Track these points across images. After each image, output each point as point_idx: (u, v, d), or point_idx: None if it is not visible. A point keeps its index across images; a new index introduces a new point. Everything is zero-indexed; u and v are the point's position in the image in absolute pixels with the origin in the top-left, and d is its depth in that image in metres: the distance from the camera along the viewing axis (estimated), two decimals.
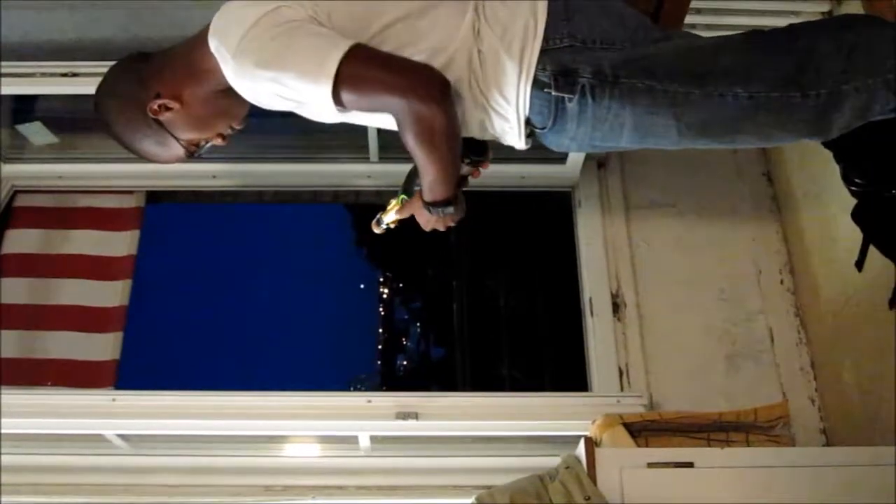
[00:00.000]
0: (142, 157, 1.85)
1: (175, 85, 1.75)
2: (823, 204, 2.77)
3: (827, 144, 2.47)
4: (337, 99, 1.57)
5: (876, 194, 2.41)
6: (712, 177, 3.16)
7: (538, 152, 3.07)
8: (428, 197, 1.75)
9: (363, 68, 1.57)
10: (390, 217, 1.94)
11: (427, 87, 1.57)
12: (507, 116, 1.70)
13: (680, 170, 3.16)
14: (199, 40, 1.74)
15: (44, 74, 2.86)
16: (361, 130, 3.15)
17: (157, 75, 1.76)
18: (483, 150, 1.85)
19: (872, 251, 2.36)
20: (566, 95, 1.63)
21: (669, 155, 2.84)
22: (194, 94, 1.75)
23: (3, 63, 2.82)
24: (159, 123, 1.75)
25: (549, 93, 1.64)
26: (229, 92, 1.74)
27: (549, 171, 3.23)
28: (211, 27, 1.71)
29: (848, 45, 1.68)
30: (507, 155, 1.87)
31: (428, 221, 1.84)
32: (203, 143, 1.83)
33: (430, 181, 1.70)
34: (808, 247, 2.89)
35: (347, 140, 3.30)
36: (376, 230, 1.99)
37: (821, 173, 2.76)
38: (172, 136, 1.77)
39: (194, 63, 1.75)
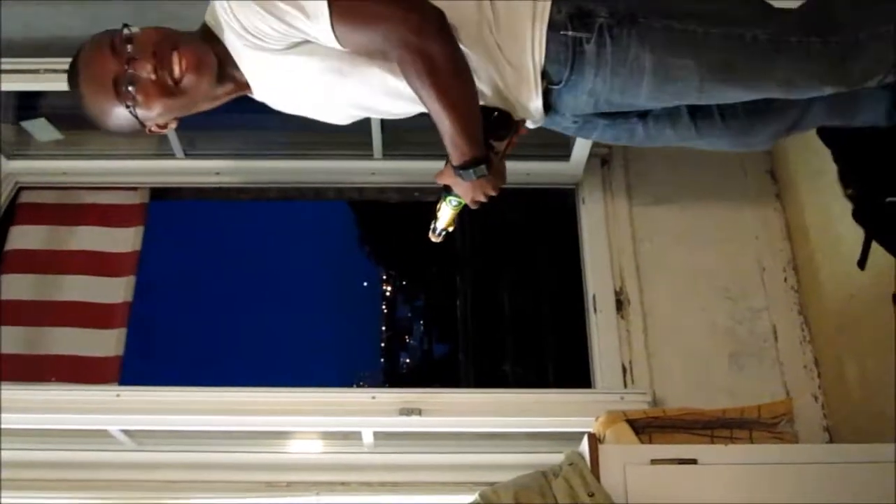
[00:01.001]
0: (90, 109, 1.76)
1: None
2: (827, 202, 2.76)
3: (827, 143, 2.50)
4: (333, 27, 1.49)
5: (870, 200, 2.44)
6: (716, 174, 3.16)
7: (543, 149, 3.09)
8: (454, 159, 1.63)
9: None
10: (444, 220, 1.89)
11: (420, 17, 1.49)
12: (521, 66, 1.63)
13: (683, 167, 3.16)
14: (199, 34, 1.73)
15: (48, 71, 2.85)
16: (365, 127, 3.15)
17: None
18: (506, 121, 1.73)
19: (875, 248, 2.37)
20: (583, 35, 1.58)
21: (673, 151, 2.85)
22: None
23: (8, 59, 2.82)
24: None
25: (566, 34, 1.58)
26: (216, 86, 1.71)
27: (553, 168, 3.23)
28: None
29: None
30: (512, 151, 1.84)
31: (466, 191, 1.73)
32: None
33: (449, 131, 1.57)
34: (812, 244, 2.89)
35: (351, 137, 3.29)
36: (435, 239, 1.94)
37: (825, 171, 2.75)
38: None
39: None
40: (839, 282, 2.65)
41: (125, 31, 1.68)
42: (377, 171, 3.37)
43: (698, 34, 1.58)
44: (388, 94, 1.69)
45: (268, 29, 1.54)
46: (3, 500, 2.79)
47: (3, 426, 2.70)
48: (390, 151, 3.30)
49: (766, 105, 1.82)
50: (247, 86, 1.75)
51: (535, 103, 1.68)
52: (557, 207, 3.61)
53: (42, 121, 3.28)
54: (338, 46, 1.54)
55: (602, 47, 1.57)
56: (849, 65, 1.63)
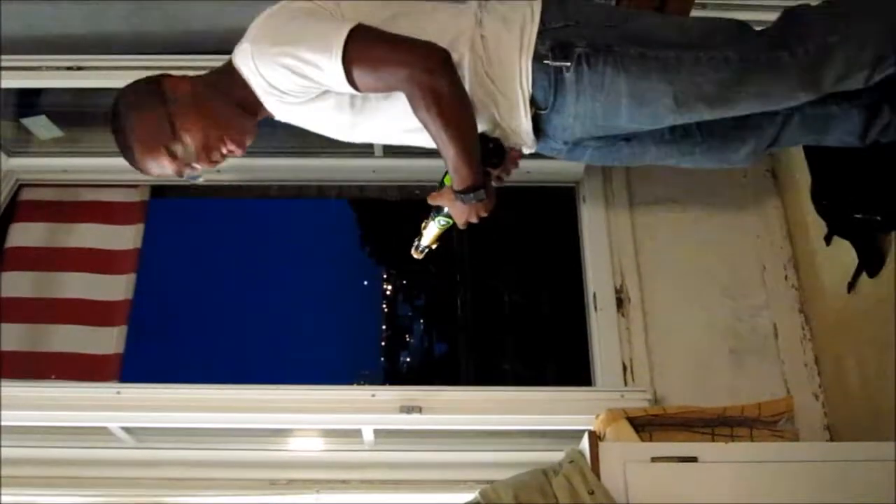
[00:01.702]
0: (129, 153, 1.85)
1: (197, 81, 1.83)
2: None
3: (807, 152, 2.57)
4: (349, 76, 1.66)
5: (840, 215, 2.49)
6: (716, 173, 3.15)
7: None
8: (457, 184, 1.79)
9: (369, 43, 1.67)
10: (428, 238, 2.02)
11: (427, 57, 1.67)
12: (512, 95, 1.79)
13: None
14: (227, 63, 1.84)
15: (49, 68, 2.86)
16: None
17: (183, 77, 1.84)
18: (499, 150, 1.91)
19: None
20: (563, 64, 1.73)
21: None
22: (210, 91, 1.82)
23: (10, 56, 2.82)
24: (165, 102, 1.78)
25: (548, 64, 1.74)
26: (241, 109, 1.84)
27: (554, 167, 3.22)
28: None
29: (829, 4, 1.84)
30: (507, 154, 1.91)
31: (461, 213, 1.89)
32: (191, 154, 1.82)
33: (453, 158, 1.73)
34: (812, 243, 2.88)
35: None
36: (416, 256, 2.07)
37: None
38: (171, 123, 1.77)
39: (219, 75, 1.84)
40: (840, 280, 2.65)
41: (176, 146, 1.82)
42: (378, 169, 3.38)
43: (670, 60, 1.73)
44: (397, 128, 1.89)
45: (291, 86, 1.73)
46: (5, 498, 2.80)
47: (3, 423, 2.70)
48: (391, 150, 3.30)
49: (743, 124, 1.93)
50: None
51: (526, 128, 1.84)
52: (558, 206, 3.60)
53: (43, 118, 3.27)
54: (353, 91, 1.71)
55: (580, 75, 1.74)
56: (820, 71, 1.74)
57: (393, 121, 1.85)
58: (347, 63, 1.64)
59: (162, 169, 1.84)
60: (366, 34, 1.67)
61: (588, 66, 1.72)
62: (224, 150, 1.85)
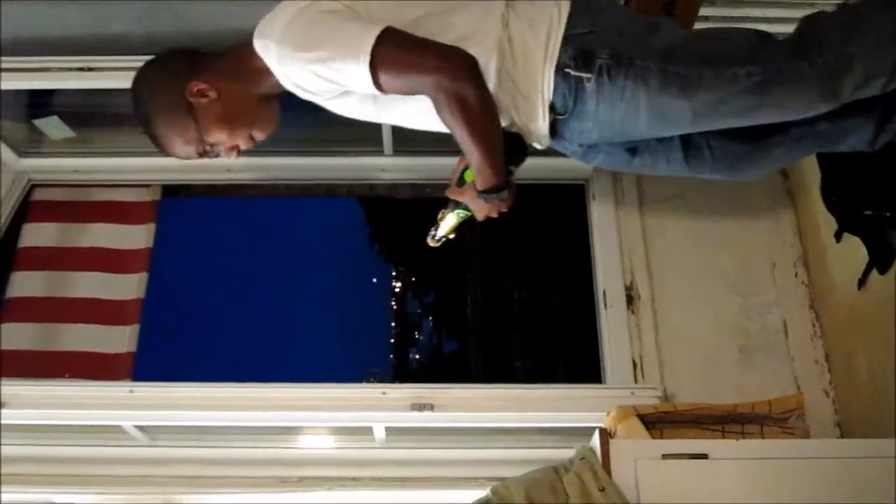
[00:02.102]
0: (155, 141, 1.91)
1: (218, 78, 1.84)
2: None
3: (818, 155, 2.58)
4: (375, 81, 1.67)
5: (850, 212, 2.49)
6: None
7: None
8: (480, 185, 1.81)
9: (396, 49, 1.67)
10: (445, 228, 2.04)
11: (455, 64, 1.67)
12: (532, 100, 1.80)
13: None
14: (247, 42, 1.83)
15: (60, 69, 2.87)
16: (375, 124, 3.16)
17: (205, 65, 1.86)
18: (521, 147, 1.91)
19: None
20: (585, 75, 1.74)
21: None
22: (232, 90, 1.85)
23: (21, 58, 2.84)
24: (190, 109, 1.82)
25: (570, 73, 1.75)
26: (263, 101, 1.88)
27: (564, 164, 3.21)
28: (256, 29, 1.81)
29: (846, 13, 1.83)
30: (529, 150, 1.92)
31: (481, 209, 1.90)
32: (218, 147, 1.87)
33: (477, 162, 1.75)
34: (823, 240, 2.88)
35: (362, 133, 3.30)
36: (433, 244, 2.09)
37: None
38: (196, 126, 1.81)
39: (238, 63, 1.85)
40: (850, 277, 2.65)
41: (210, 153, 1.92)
42: (388, 167, 3.38)
43: (692, 77, 1.73)
44: (420, 122, 1.91)
45: (317, 87, 1.76)
46: (20, 496, 2.82)
47: (18, 422, 2.73)
48: (401, 148, 3.31)
49: (756, 146, 1.95)
50: None
51: (543, 131, 1.86)
52: (567, 203, 3.60)
53: (54, 119, 3.29)
54: (379, 93, 1.72)
55: (601, 86, 1.75)
56: (839, 81, 1.73)
57: (416, 115, 1.87)
58: (374, 67, 1.65)
59: (190, 157, 1.91)
60: (393, 38, 1.67)
61: (609, 77, 1.73)
62: (251, 141, 1.91)
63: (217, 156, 1.92)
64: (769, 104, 1.76)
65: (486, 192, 1.81)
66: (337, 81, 1.71)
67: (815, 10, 1.88)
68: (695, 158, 1.98)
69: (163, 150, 1.92)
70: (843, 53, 1.72)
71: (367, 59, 1.63)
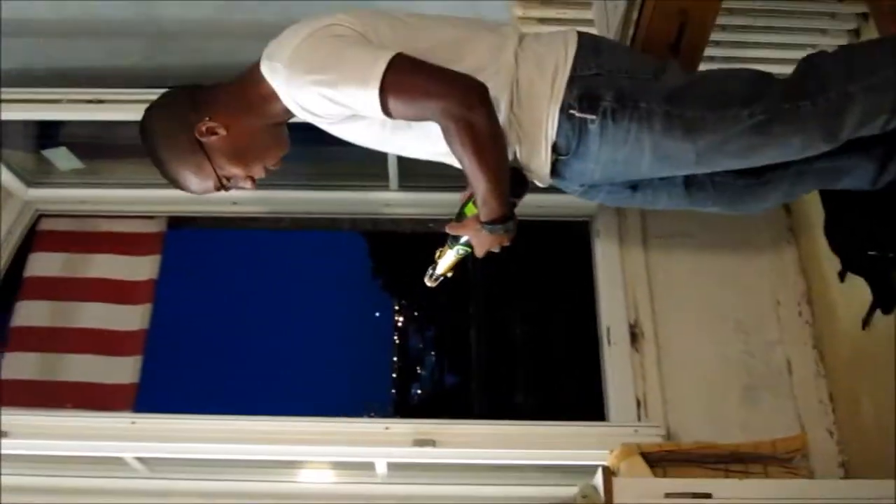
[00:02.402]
0: (173, 182, 1.90)
1: (225, 112, 1.82)
2: None
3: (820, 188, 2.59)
4: (384, 106, 1.65)
5: (854, 252, 2.50)
6: None
7: None
8: (485, 216, 1.78)
9: (407, 75, 1.65)
10: (444, 266, 2.00)
11: (466, 91, 1.64)
12: (535, 139, 1.79)
13: None
14: (251, 70, 1.83)
15: (70, 101, 2.89)
16: (381, 158, 3.18)
17: (210, 101, 1.84)
18: (522, 181, 1.90)
19: None
20: (589, 117, 1.73)
21: None
22: (241, 123, 1.83)
23: (31, 89, 2.86)
24: (202, 147, 1.81)
25: (574, 114, 1.74)
26: (273, 129, 1.87)
27: (568, 201, 3.20)
28: (264, 52, 1.80)
29: (847, 52, 1.86)
30: (530, 185, 1.92)
31: (483, 244, 1.86)
32: (235, 179, 1.88)
33: (484, 192, 1.72)
34: (826, 278, 2.88)
35: (367, 168, 3.32)
36: (430, 284, 2.05)
37: None
38: (211, 163, 1.81)
39: (245, 91, 1.83)
40: (854, 316, 2.65)
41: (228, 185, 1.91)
42: (392, 202, 3.39)
43: (696, 120, 1.73)
44: (426, 151, 1.90)
45: (325, 112, 1.74)
46: None
47: (20, 452, 2.72)
48: (406, 183, 3.32)
49: (757, 181, 1.95)
50: None
51: (544, 171, 1.85)
52: (572, 240, 3.61)
53: (63, 150, 3.32)
54: (387, 119, 1.71)
55: (605, 128, 1.74)
56: (840, 120, 1.74)
57: (423, 144, 1.85)
58: (384, 93, 1.62)
59: (209, 192, 1.91)
60: (404, 64, 1.65)
61: (613, 121, 1.72)
62: (265, 171, 1.91)
63: (234, 187, 1.92)
64: (771, 144, 1.77)
65: (490, 223, 1.78)
66: (345, 105, 1.69)
67: (816, 51, 1.89)
68: (696, 192, 1.98)
69: (184, 190, 1.91)
70: (845, 93, 1.72)
71: (378, 84, 1.61)
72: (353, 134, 1.88)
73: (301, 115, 1.81)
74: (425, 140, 1.81)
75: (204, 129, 1.80)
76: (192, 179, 1.87)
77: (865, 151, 1.90)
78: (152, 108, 1.88)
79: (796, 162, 1.88)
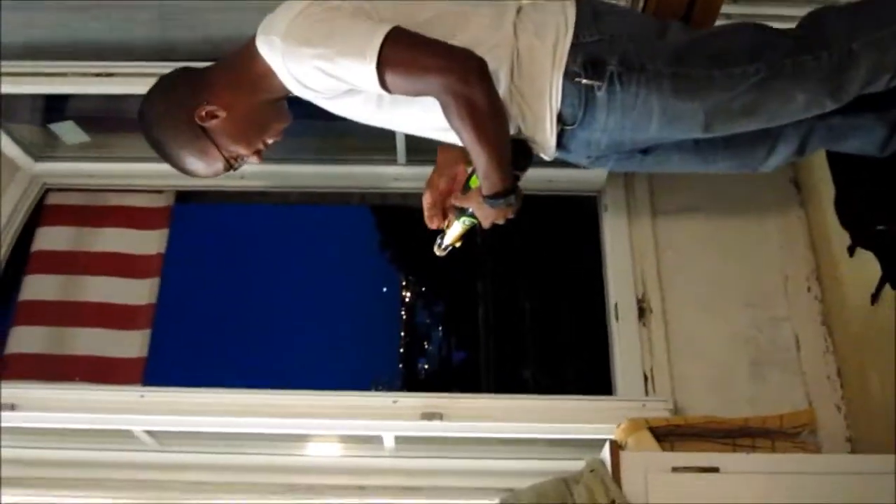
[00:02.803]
0: (181, 170, 1.90)
1: (224, 93, 1.82)
2: None
3: (829, 163, 2.58)
4: (381, 81, 1.64)
5: (863, 227, 2.49)
6: (739, 183, 3.14)
7: None
8: (486, 189, 1.78)
9: (404, 50, 1.64)
10: (452, 236, 2.01)
11: (465, 66, 1.63)
12: (539, 110, 1.78)
13: (706, 176, 3.14)
14: (247, 47, 1.82)
15: (76, 74, 2.88)
16: (389, 133, 3.16)
17: (206, 84, 1.84)
18: (527, 154, 1.89)
19: None
20: (595, 83, 1.72)
21: None
22: (239, 103, 1.82)
23: (37, 63, 2.85)
24: (204, 132, 1.81)
25: (580, 81, 1.73)
26: (272, 104, 1.85)
27: (576, 176, 3.23)
28: (259, 27, 1.79)
29: (853, 9, 1.82)
30: (535, 157, 1.91)
31: (487, 216, 1.87)
32: (242, 157, 1.87)
33: (484, 166, 1.72)
34: (836, 254, 2.87)
35: (375, 142, 3.30)
36: (439, 253, 2.06)
37: None
38: (215, 145, 1.81)
39: (241, 70, 1.82)
40: (863, 292, 2.64)
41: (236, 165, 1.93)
42: (401, 176, 3.38)
43: (701, 78, 1.73)
44: (425, 126, 1.89)
45: (322, 85, 1.72)
46: (28, 499, 2.83)
47: (28, 425, 2.75)
48: (414, 157, 3.31)
49: (767, 133, 1.93)
50: None
51: (550, 142, 1.84)
52: (580, 215, 3.60)
53: (69, 123, 3.31)
54: (385, 94, 1.69)
55: (613, 94, 1.73)
56: (845, 76, 1.73)
57: (420, 119, 1.85)
58: (381, 67, 1.61)
59: (219, 173, 1.92)
60: (401, 38, 1.64)
61: (620, 85, 1.71)
62: (268, 143, 1.91)
63: (243, 164, 1.92)
64: (774, 100, 1.76)
65: (492, 198, 1.78)
66: (342, 79, 1.67)
67: (824, 5, 1.87)
68: (706, 149, 1.97)
69: (193, 175, 1.91)
70: (849, 49, 1.72)
71: (375, 57, 1.60)
72: (350, 110, 1.87)
73: (297, 91, 1.80)
74: (424, 115, 1.79)
75: (204, 113, 1.80)
76: (200, 164, 1.87)
77: (879, 113, 1.89)
78: (149, 99, 1.87)
79: (808, 118, 1.86)
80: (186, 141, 1.83)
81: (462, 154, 1.93)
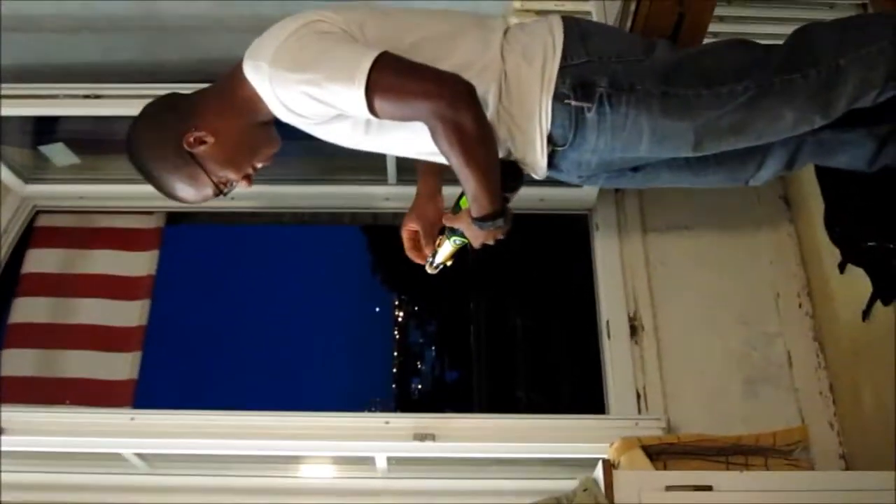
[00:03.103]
0: (171, 196, 1.88)
1: (211, 118, 1.80)
2: None
3: (818, 178, 2.58)
4: (370, 105, 1.63)
5: (854, 243, 2.50)
6: (729, 200, 3.16)
7: None
8: (476, 212, 1.78)
9: (392, 75, 1.63)
10: (442, 255, 2.02)
11: (453, 91, 1.62)
12: (529, 132, 1.77)
13: (697, 192, 3.15)
14: (234, 71, 1.81)
15: (66, 96, 2.88)
16: (379, 153, 3.17)
17: (193, 110, 1.82)
18: (516, 175, 1.89)
19: None
20: (585, 105, 1.72)
21: None
22: (227, 128, 1.81)
23: (28, 85, 2.85)
24: (193, 158, 1.79)
25: (570, 104, 1.72)
26: (260, 127, 1.84)
27: (567, 194, 3.23)
28: (246, 52, 1.78)
29: (841, 25, 1.83)
30: (526, 177, 1.91)
31: (477, 237, 1.87)
32: (232, 182, 1.86)
33: (473, 190, 1.72)
34: (826, 271, 2.88)
35: (365, 162, 3.30)
36: (430, 271, 2.07)
37: None
38: (205, 171, 1.80)
39: (230, 94, 1.81)
40: (854, 308, 2.64)
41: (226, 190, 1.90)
42: (392, 196, 3.38)
43: (690, 98, 1.73)
44: (411, 151, 1.90)
45: (310, 111, 1.72)
46: None
47: (18, 449, 2.72)
48: (404, 177, 3.31)
49: (756, 147, 1.92)
50: None
51: (541, 164, 1.83)
52: (571, 233, 3.61)
53: (60, 145, 3.31)
54: (373, 119, 1.69)
55: (603, 115, 1.72)
56: (833, 93, 1.74)
57: (408, 144, 1.85)
58: (370, 93, 1.60)
59: (209, 198, 1.90)
60: (389, 63, 1.63)
61: (610, 106, 1.71)
62: (258, 168, 1.90)
63: (233, 189, 1.91)
64: (763, 118, 1.76)
65: (481, 220, 1.79)
66: (330, 104, 1.67)
67: (811, 21, 1.88)
68: (696, 164, 1.97)
69: (183, 202, 1.90)
70: (836, 66, 1.72)
71: (363, 83, 1.59)
72: (337, 135, 1.86)
73: (283, 117, 1.79)
74: (413, 139, 1.79)
75: (192, 139, 1.78)
76: (189, 190, 1.85)
77: (868, 128, 1.90)
78: (136, 127, 1.86)
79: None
80: (175, 168, 1.81)
81: (438, 186, 2.01)
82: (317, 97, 1.66)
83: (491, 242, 1.90)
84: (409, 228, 2.07)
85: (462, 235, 1.92)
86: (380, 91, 1.61)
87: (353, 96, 1.62)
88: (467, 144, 1.63)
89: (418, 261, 2.08)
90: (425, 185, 2.09)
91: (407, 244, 2.09)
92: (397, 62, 1.65)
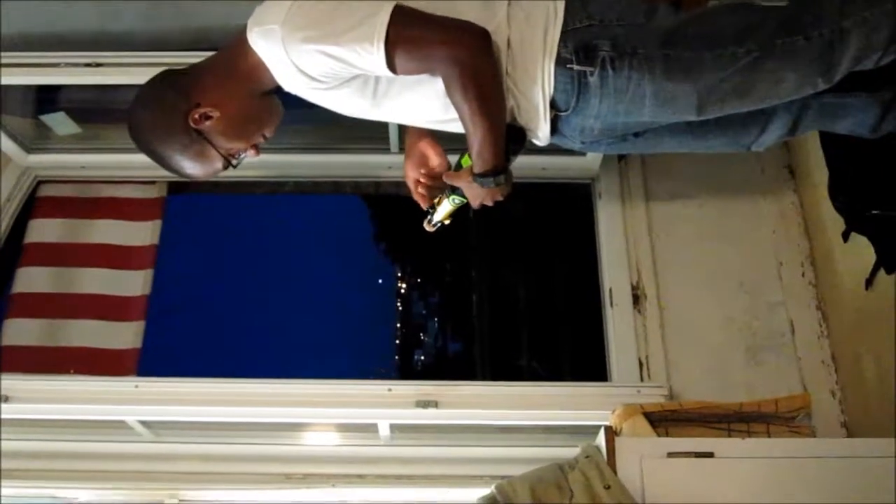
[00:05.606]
0: (180, 174, 1.88)
1: (214, 92, 1.79)
2: None
3: (823, 147, 2.57)
4: (389, 58, 1.62)
5: (857, 212, 2.49)
6: (733, 169, 3.15)
7: None
8: (478, 167, 1.78)
9: (410, 25, 1.63)
10: (441, 213, 2.02)
11: (470, 37, 1.65)
12: (532, 97, 1.77)
13: (701, 161, 3.15)
14: (236, 42, 1.80)
15: (68, 65, 2.87)
16: (382, 121, 3.16)
17: (195, 85, 1.81)
18: (520, 137, 1.88)
19: None
20: (587, 69, 1.72)
21: None
22: (232, 101, 1.80)
23: (29, 54, 2.84)
24: (199, 133, 1.79)
25: (572, 68, 1.73)
26: (264, 97, 1.83)
27: (570, 163, 3.22)
28: (249, 21, 1.76)
29: None
30: (529, 146, 1.91)
31: (477, 196, 1.87)
32: (239, 153, 1.86)
33: (479, 142, 1.72)
34: (830, 239, 2.87)
35: (368, 131, 3.29)
36: (429, 229, 2.07)
37: None
38: (213, 146, 1.79)
39: (232, 66, 1.81)
40: (857, 277, 2.64)
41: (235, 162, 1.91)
42: (394, 165, 3.37)
43: (693, 60, 1.72)
44: (416, 118, 1.91)
45: (324, 72, 1.69)
46: (24, 490, 2.82)
47: (22, 417, 2.75)
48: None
49: (761, 111, 1.92)
50: None
51: (544, 129, 1.84)
52: (574, 202, 3.60)
53: (61, 115, 3.30)
54: (390, 74, 1.68)
55: (605, 79, 1.73)
56: (836, 55, 1.72)
57: (414, 109, 1.84)
58: (389, 44, 1.60)
59: (219, 172, 1.90)
60: (405, 14, 1.63)
61: (613, 69, 1.71)
62: (266, 137, 1.90)
63: (242, 160, 1.90)
64: (765, 80, 1.75)
65: (482, 176, 1.78)
66: (347, 61, 1.65)
67: None
68: (698, 128, 1.97)
69: (193, 178, 1.91)
70: (840, 28, 1.71)
71: (383, 35, 1.59)
72: (343, 102, 1.86)
73: (289, 84, 1.78)
74: (423, 103, 1.80)
75: (197, 115, 1.77)
76: (199, 167, 1.85)
77: (872, 93, 1.89)
78: (137, 110, 1.85)
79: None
80: (183, 146, 1.80)
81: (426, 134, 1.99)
82: (333, 55, 1.64)
83: (489, 203, 1.90)
84: (410, 178, 2.06)
85: (462, 195, 1.93)
86: (398, 43, 1.62)
87: (371, 51, 1.61)
88: (483, 90, 1.65)
89: (424, 204, 2.06)
90: (415, 132, 2.06)
91: (413, 188, 2.08)
92: (412, 12, 1.65)
